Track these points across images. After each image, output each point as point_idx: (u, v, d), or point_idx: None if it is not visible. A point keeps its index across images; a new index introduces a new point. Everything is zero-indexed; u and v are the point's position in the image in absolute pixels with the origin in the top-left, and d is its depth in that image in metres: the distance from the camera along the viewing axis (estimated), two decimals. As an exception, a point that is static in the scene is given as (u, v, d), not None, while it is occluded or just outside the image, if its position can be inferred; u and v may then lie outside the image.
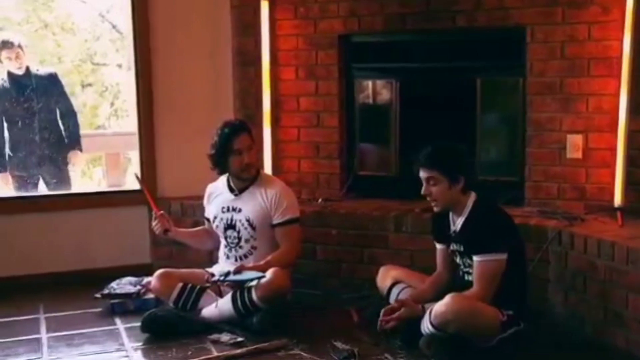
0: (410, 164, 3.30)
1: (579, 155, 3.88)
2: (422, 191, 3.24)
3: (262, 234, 3.71)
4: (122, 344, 3.42)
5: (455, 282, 3.32)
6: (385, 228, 3.99)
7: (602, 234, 3.38)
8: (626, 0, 3.64)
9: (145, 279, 3.98)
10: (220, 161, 3.68)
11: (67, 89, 5.29)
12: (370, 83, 4.52)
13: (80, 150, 5.19)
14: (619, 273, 3.18)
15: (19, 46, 4.94)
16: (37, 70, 5.06)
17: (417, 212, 3.94)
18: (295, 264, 3.76)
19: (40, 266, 4.36)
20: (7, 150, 4.98)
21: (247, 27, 4.45)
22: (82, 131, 5.29)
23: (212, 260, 3.97)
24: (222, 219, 3.77)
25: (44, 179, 5.09)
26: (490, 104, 4.26)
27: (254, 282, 3.45)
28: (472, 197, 3.23)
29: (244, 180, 3.73)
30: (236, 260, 3.73)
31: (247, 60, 4.48)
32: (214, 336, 3.40)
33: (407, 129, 4.37)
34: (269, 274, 3.46)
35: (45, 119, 5.03)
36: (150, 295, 3.86)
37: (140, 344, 3.41)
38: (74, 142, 5.14)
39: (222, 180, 3.83)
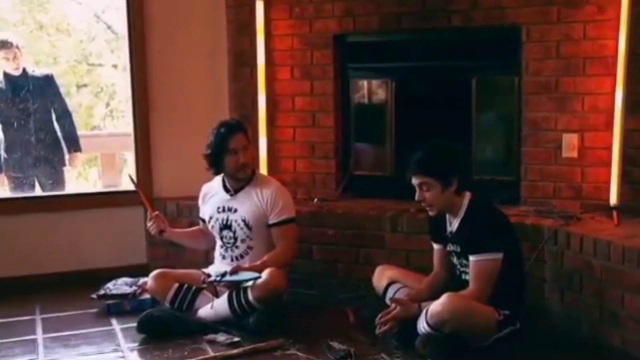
0: (405, 166, 3.27)
1: (575, 154, 3.88)
2: (416, 197, 3.23)
3: (258, 234, 3.70)
4: (118, 345, 3.41)
5: (452, 282, 3.32)
6: (381, 228, 3.98)
7: (598, 233, 3.38)
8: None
9: (141, 280, 3.97)
10: (216, 161, 3.68)
11: (63, 90, 5.26)
12: (365, 83, 4.52)
13: (80, 151, 5.19)
14: (615, 272, 3.18)
15: (17, 47, 4.92)
16: (33, 71, 5.04)
17: (412, 212, 3.93)
18: (291, 264, 3.76)
19: (36, 267, 4.35)
20: (2, 152, 4.96)
21: (242, 27, 4.45)
22: (78, 132, 5.26)
23: (208, 260, 3.97)
24: (217, 219, 3.76)
25: (39, 181, 5.06)
26: (486, 103, 4.26)
27: (250, 283, 3.45)
28: (467, 196, 3.22)
29: (240, 180, 3.73)
30: (232, 260, 3.72)
31: (242, 60, 4.48)
32: (210, 336, 3.39)
33: (403, 128, 4.37)
34: (265, 274, 3.46)
35: (41, 119, 5.01)
36: (147, 296, 3.86)
37: (136, 344, 3.41)
38: (73, 143, 5.11)
39: (217, 180, 3.82)
